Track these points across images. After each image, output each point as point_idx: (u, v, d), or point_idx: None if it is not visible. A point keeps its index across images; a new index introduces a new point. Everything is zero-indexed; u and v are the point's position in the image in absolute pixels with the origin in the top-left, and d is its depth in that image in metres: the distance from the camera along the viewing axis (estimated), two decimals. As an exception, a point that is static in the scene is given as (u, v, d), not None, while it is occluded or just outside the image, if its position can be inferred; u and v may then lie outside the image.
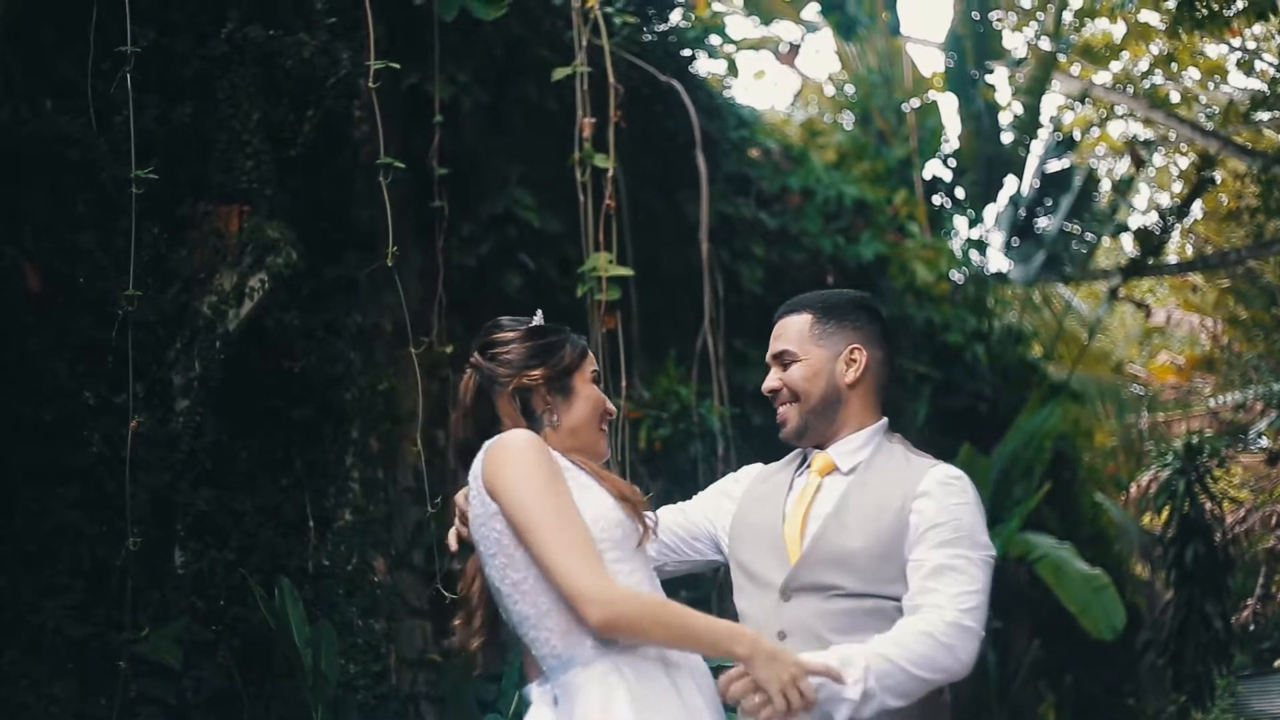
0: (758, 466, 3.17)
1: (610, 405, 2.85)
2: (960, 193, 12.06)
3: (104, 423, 4.31)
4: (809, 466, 2.98)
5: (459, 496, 2.83)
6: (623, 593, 2.48)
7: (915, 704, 2.64)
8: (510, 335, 2.79)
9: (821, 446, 2.97)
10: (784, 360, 2.97)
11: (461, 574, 2.81)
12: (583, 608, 2.44)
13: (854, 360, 2.92)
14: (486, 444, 2.63)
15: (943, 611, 2.58)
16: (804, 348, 2.94)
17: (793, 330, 2.97)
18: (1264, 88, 13.88)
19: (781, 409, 2.99)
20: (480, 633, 2.75)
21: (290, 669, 4.54)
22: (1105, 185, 14.16)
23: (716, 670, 2.60)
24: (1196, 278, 16.99)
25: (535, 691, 2.61)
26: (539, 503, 2.50)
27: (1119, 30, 14.34)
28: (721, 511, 3.10)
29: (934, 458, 2.91)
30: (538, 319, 2.87)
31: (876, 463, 2.88)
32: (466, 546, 2.80)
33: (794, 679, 2.41)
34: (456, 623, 2.80)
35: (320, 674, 4.43)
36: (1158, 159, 16.80)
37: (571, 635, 2.51)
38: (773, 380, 2.99)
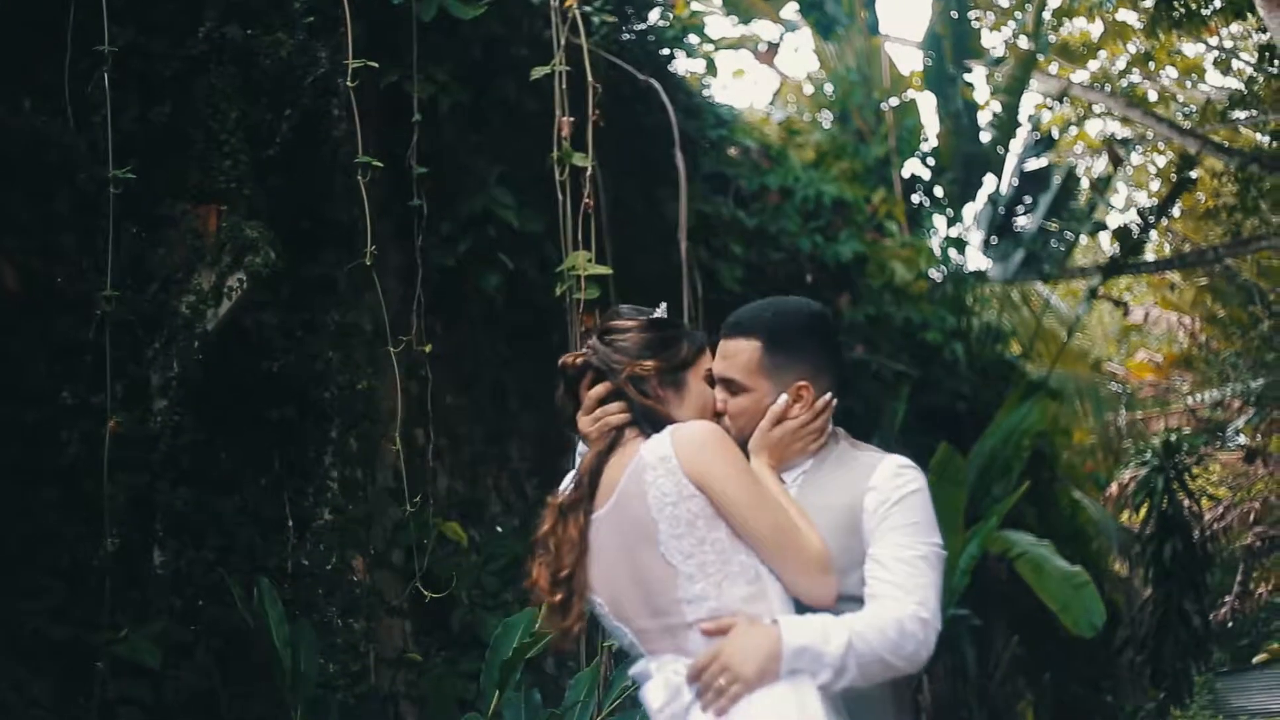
0: None
1: (720, 404, 2.86)
2: (939, 191, 12.09)
3: (82, 423, 4.30)
4: None
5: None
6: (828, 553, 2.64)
7: (889, 695, 2.69)
8: (629, 324, 2.86)
9: None
10: (731, 388, 2.86)
11: (550, 563, 2.78)
12: (819, 577, 2.61)
13: (801, 397, 2.82)
14: (672, 429, 2.68)
15: (906, 601, 2.59)
16: (752, 379, 2.83)
17: (741, 358, 2.85)
18: (1241, 86, 13.99)
19: (726, 423, 2.87)
20: (581, 617, 2.79)
21: (269, 669, 4.53)
22: (1084, 184, 14.21)
23: None
24: (1174, 276, 17.09)
25: (664, 665, 2.65)
26: (751, 491, 2.63)
27: (1097, 29, 14.43)
28: None
29: (882, 450, 2.86)
30: (659, 311, 2.93)
31: (821, 464, 2.85)
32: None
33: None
34: (555, 598, 2.76)
35: (299, 673, 4.43)
36: (1136, 157, 16.91)
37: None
38: (719, 404, 2.87)
